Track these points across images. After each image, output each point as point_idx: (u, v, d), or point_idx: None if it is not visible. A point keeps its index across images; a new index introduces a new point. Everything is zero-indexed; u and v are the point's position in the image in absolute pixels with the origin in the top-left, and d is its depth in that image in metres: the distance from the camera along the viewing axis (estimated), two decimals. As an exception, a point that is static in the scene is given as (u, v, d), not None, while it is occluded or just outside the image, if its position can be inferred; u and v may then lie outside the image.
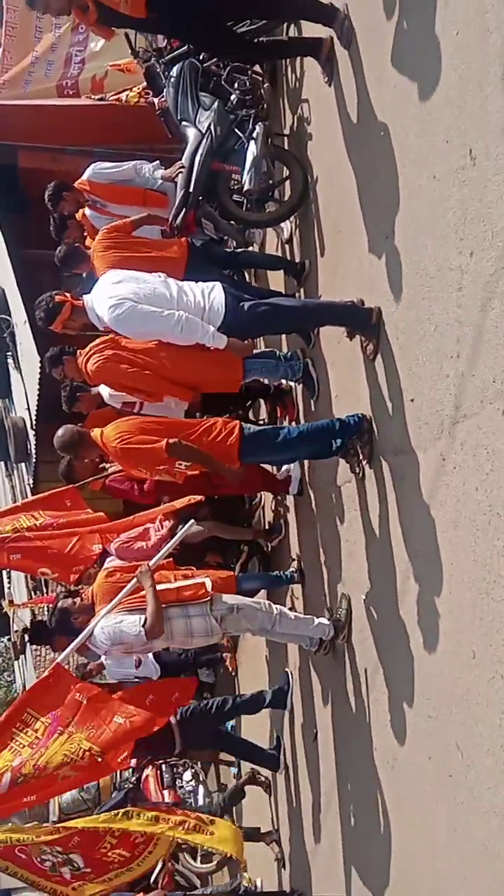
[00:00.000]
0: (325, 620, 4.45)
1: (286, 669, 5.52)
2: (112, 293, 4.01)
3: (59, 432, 4.39)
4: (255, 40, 4.90)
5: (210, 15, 4.10)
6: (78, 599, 4.64)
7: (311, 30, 4.65)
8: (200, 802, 6.15)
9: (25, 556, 4.88)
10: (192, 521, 4.56)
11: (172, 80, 5.18)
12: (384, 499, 3.79)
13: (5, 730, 3.59)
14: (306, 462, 5.12)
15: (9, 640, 18.59)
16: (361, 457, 4.01)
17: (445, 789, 3.16)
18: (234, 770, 6.70)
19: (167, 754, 6.02)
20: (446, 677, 3.17)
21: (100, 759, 3.62)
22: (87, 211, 5.48)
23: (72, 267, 5.22)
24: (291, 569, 5.46)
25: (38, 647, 11.56)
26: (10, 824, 4.28)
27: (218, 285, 4.15)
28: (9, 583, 14.15)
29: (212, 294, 4.09)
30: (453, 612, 3.10)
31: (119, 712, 3.69)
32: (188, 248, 4.80)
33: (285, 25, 5.19)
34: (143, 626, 4.05)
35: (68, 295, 4.49)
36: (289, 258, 5.40)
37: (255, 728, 6.35)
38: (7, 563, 5.45)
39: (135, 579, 4.23)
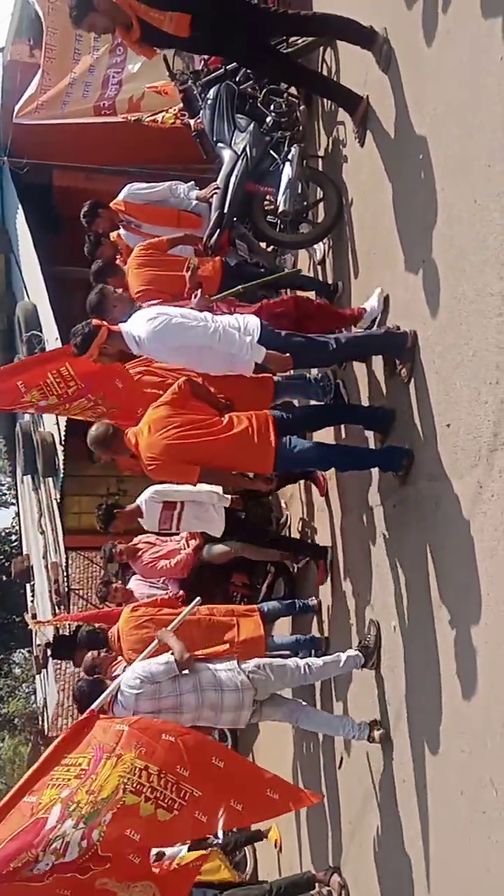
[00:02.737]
0: (352, 652, 4.36)
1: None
2: (150, 314, 3.97)
3: (92, 430, 4.27)
4: (298, 62, 4.89)
5: (253, 28, 4.07)
6: (104, 652, 4.69)
7: (349, 73, 4.63)
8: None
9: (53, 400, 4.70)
10: (198, 598, 4.48)
11: (209, 102, 5.23)
12: (418, 525, 3.73)
13: (42, 773, 3.31)
14: (336, 482, 5.08)
15: (30, 652, 18.64)
16: (396, 481, 3.96)
17: (478, 826, 3.07)
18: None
19: None
20: (481, 710, 3.09)
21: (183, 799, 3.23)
22: (122, 231, 5.51)
23: (106, 282, 5.24)
24: (312, 601, 5.45)
25: (60, 662, 11.58)
26: None
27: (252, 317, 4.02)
28: (32, 597, 14.20)
29: (245, 318, 4.01)
30: (489, 643, 3.02)
31: (166, 731, 3.44)
32: (222, 268, 4.80)
33: (322, 50, 5.22)
34: (173, 656, 4.06)
35: (104, 321, 4.49)
36: (321, 279, 5.38)
37: (275, 755, 6.26)
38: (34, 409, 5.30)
39: (156, 641, 4.22)
